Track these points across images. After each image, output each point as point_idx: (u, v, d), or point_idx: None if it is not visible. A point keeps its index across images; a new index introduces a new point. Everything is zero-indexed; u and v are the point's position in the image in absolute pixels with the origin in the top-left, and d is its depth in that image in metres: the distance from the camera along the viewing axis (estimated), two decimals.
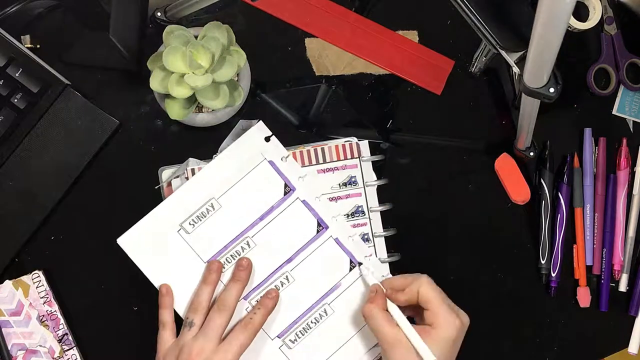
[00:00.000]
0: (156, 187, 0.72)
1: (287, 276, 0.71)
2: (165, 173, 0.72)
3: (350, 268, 0.71)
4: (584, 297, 0.76)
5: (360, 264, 0.71)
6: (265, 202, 0.71)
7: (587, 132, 0.77)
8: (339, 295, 0.71)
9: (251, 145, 0.71)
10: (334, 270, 0.71)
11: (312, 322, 0.71)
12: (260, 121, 0.72)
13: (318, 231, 0.71)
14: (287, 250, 0.71)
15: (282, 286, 0.71)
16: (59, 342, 0.71)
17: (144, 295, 0.71)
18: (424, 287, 0.64)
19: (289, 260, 0.71)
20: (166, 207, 0.70)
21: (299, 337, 0.71)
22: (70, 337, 0.71)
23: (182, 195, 0.71)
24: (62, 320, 0.71)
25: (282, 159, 0.72)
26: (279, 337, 0.70)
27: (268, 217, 0.71)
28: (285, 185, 0.71)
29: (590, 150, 0.77)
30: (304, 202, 0.71)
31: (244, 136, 0.71)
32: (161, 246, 0.70)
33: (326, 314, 0.71)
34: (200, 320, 0.66)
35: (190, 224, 0.70)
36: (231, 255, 0.71)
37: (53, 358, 0.71)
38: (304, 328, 0.71)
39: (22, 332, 0.71)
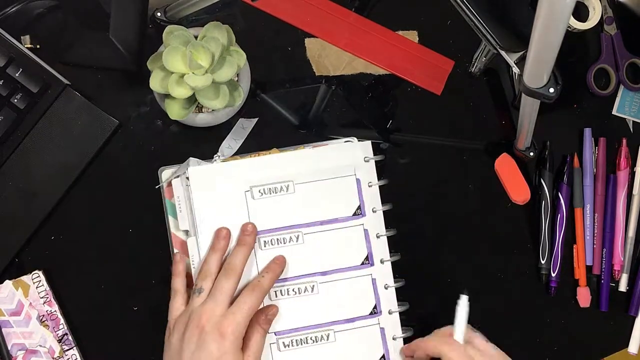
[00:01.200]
0: (156, 187, 0.72)
1: (313, 285, 0.71)
2: (165, 173, 0.72)
3: (371, 312, 0.71)
4: (584, 297, 0.76)
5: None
6: (334, 212, 0.71)
7: (587, 132, 0.77)
8: (347, 330, 0.71)
9: (351, 156, 0.72)
10: (357, 305, 0.71)
11: (310, 339, 0.70)
12: (370, 142, 0.73)
13: (363, 263, 0.71)
14: (326, 262, 0.71)
15: (304, 291, 0.71)
16: (59, 342, 0.71)
17: (144, 295, 0.71)
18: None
19: (323, 273, 0.71)
20: (248, 165, 0.71)
21: (293, 345, 0.70)
22: (70, 337, 0.71)
23: (267, 162, 0.71)
24: (62, 320, 0.71)
25: (368, 184, 0.72)
26: (275, 335, 0.70)
27: (328, 225, 0.71)
28: (359, 207, 0.72)
29: (590, 150, 0.77)
30: (365, 231, 0.71)
31: (352, 145, 0.72)
32: (223, 196, 0.70)
33: (327, 339, 0.70)
34: (209, 287, 0.66)
35: (259, 191, 0.71)
36: (277, 239, 0.70)
37: (53, 358, 0.71)
38: (301, 339, 0.70)
39: (22, 332, 0.71)
